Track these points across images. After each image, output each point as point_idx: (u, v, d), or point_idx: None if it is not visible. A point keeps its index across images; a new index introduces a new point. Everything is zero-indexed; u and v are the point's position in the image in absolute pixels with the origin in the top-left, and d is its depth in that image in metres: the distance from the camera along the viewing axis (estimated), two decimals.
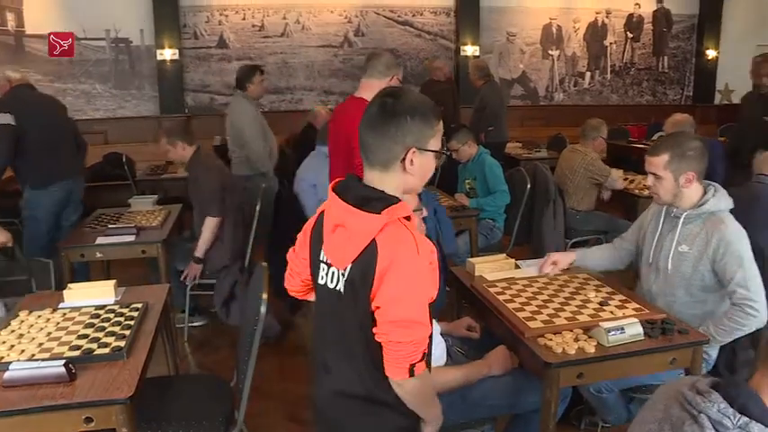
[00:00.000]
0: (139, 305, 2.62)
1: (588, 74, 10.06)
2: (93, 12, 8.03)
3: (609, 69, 10.14)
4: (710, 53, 10.36)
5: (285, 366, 3.91)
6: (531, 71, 9.77)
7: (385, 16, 9.00)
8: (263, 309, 2.28)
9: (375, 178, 1.70)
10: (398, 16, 9.04)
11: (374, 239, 1.61)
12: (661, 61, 10.52)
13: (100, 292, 2.75)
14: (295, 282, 1.98)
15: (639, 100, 10.45)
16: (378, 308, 1.63)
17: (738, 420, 1.06)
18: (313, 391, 1.91)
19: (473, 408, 2.39)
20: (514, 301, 2.61)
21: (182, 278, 4.16)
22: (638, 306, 2.58)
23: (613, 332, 2.28)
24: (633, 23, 10.17)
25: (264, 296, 2.31)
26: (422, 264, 1.62)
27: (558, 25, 9.78)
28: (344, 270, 1.68)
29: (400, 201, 1.66)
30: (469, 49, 9.00)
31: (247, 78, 5.30)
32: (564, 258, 2.94)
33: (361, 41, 8.95)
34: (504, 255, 3.17)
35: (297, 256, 1.93)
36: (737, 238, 2.59)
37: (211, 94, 8.62)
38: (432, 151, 1.71)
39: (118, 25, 8.17)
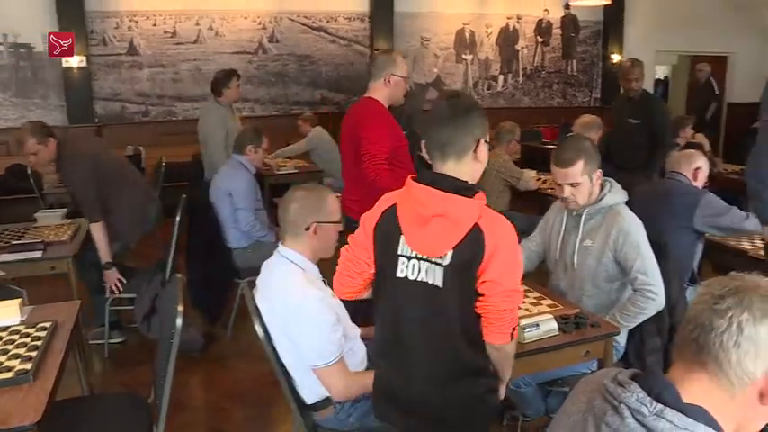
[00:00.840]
0: (47, 324, 2.51)
1: (501, 77, 10.30)
2: None
3: (521, 73, 10.41)
4: (615, 57, 10.78)
5: (208, 378, 3.84)
6: (446, 75, 9.92)
7: (299, 22, 8.96)
8: (179, 321, 2.22)
9: (450, 170, 1.88)
10: (313, 22, 9.02)
11: (477, 224, 1.79)
12: (570, 65, 10.87)
13: (3, 313, 2.60)
14: (355, 282, 2.07)
15: (551, 102, 10.77)
16: (484, 282, 1.81)
17: (654, 408, 1.11)
18: (393, 385, 2.03)
19: None
20: None
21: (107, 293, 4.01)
22: (552, 302, 2.68)
23: (529, 329, 2.36)
24: (543, 28, 10.48)
25: (180, 308, 2.26)
26: (516, 241, 1.89)
27: (471, 30, 9.97)
28: (442, 257, 1.82)
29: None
30: None
31: (224, 84, 5.39)
32: None
33: (276, 48, 8.88)
34: None
35: (358, 257, 2.01)
36: (634, 229, 2.74)
37: (123, 103, 8.34)
38: (487, 142, 1.95)
39: (16, 30, 7.78)
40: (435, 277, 1.84)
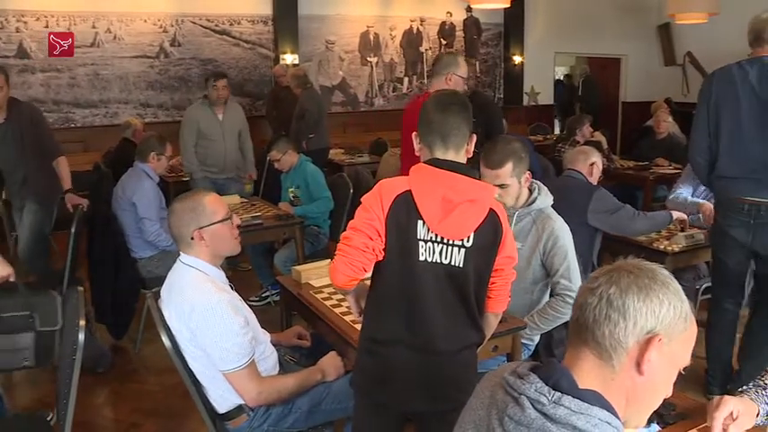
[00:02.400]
0: None
1: (406, 79, 10.42)
2: None
3: (425, 74, 10.56)
4: (517, 59, 11.10)
5: (116, 395, 3.72)
6: (351, 78, 9.95)
7: (202, 25, 8.78)
8: (81, 336, 2.15)
9: (454, 157, 2.00)
10: (216, 25, 8.86)
11: (491, 207, 1.97)
12: (473, 66, 11.12)
13: None
14: (366, 269, 1.98)
15: None
16: (503, 258, 2.06)
17: (552, 396, 1.16)
18: (407, 365, 2.02)
19: (310, 414, 2.41)
20: (341, 306, 2.67)
21: None
22: None
23: None
24: (446, 31, 10.67)
25: (82, 323, 2.19)
26: None
27: (376, 33, 10.04)
28: (465, 239, 1.95)
29: None
30: (289, 58, 9.00)
31: (207, 84, 5.70)
32: None
33: (178, 51, 8.66)
34: (329, 260, 3.21)
35: (374, 244, 1.94)
36: (564, 234, 2.81)
37: None
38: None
39: None
40: (456, 259, 1.96)
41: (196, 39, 8.74)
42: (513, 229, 2.83)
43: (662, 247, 3.68)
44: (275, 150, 4.92)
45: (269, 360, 2.44)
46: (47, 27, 7.92)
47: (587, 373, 1.22)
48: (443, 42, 10.64)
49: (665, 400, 1.33)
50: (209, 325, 2.20)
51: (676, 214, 3.84)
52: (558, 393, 1.16)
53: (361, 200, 2.01)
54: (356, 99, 10.03)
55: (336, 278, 1.99)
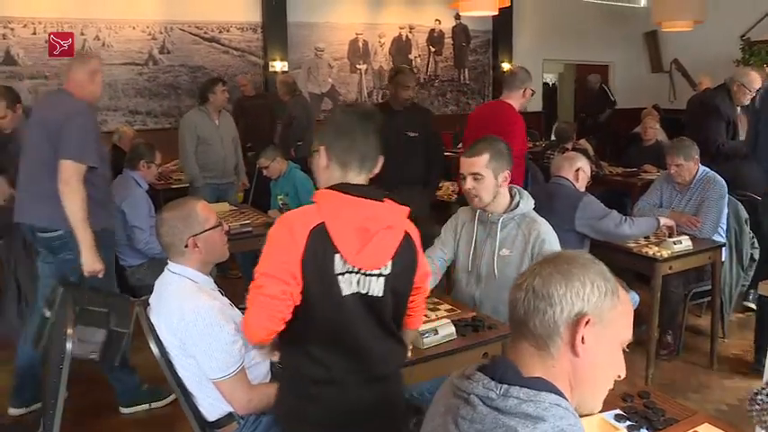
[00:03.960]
0: None
1: None
2: None
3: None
4: (505, 66, 11.15)
5: (105, 404, 3.69)
6: (340, 85, 9.96)
7: (191, 33, 8.77)
8: (68, 345, 2.16)
9: (364, 181, 1.91)
10: (205, 33, 8.85)
11: (406, 230, 1.91)
12: (462, 73, 11.15)
13: None
14: (287, 316, 1.81)
15: (445, 110, 10.99)
16: (420, 276, 2.01)
17: (500, 390, 1.18)
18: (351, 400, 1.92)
19: None
20: None
21: None
22: (449, 307, 2.73)
23: (427, 335, 2.40)
24: (435, 38, 10.70)
25: (70, 331, 2.19)
26: None
27: (365, 40, 10.06)
28: (383, 267, 1.85)
29: None
30: (278, 65, 9.01)
31: (208, 89, 5.68)
32: None
33: (167, 59, 8.64)
34: None
35: (291, 289, 1.78)
36: (550, 236, 2.81)
37: None
38: None
39: None
40: (375, 288, 1.86)
41: (185, 46, 8.73)
42: (499, 236, 2.84)
43: (651, 253, 3.69)
44: (264, 158, 4.93)
45: (260, 367, 2.43)
46: (34, 34, 7.88)
47: (530, 364, 1.24)
48: (432, 50, 10.68)
49: (654, 405, 1.34)
50: (198, 333, 2.19)
51: (663, 220, 3.86)
52: (506, 386, 1.18)
53: (268, 236, 1.83)
54: None
55: (256, 334, 1.83)
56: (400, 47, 10.40)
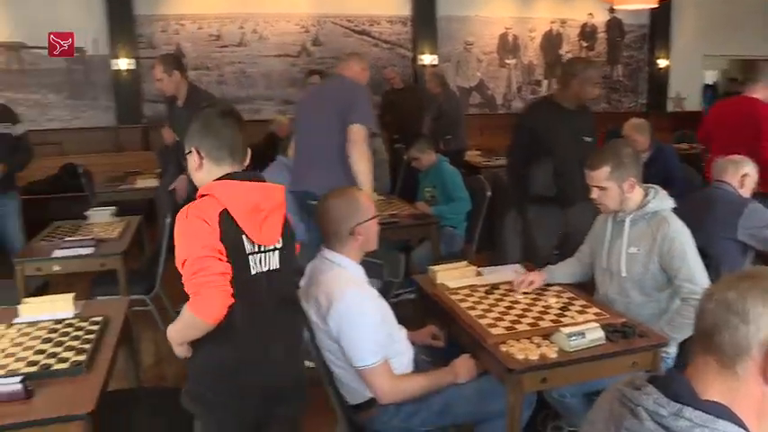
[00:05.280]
0: (99, 319, 2.57)
1: (545, 82, 10.22)
2: (45, 21, 7.79)
3: None
4: (662, 62, 10.62)
5: None
6: (489, 79, 9.88)
7: (342, 26, 9.02)
8: None
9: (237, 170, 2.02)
10: (355, 26, 9.07)
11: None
12: (615, 70, 10.74)
13: (57, 306, 2.68)
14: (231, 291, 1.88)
15: (595, 108, 10.55)
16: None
17: (672, 408, 1.10)
18: (268, 371, 2.02)
19: (439, 415, 2.40)
20: (476, 308, 2.64)
21: None
22: (598, 311, 2.63)
23: (574, 337, 2.31)
24: (587, 33, 10.37)
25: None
26: None
27: (514, 35, 9.91)
28: (278, 242, 2.02)
29: None
30: (427, 58, 9.06)
31: None
32: (539, 278, 2.91)
33: (319, 51, 8.94)
34: (466, 262, 3.19)
35: (227, 266, 1.86)
36: (680, 234, 2.67)
37: None
38: None
39: None
40: (274, 262, 2.00)
41: (336, 39, 8.99)
42: (628, 234, 2.76)
43: None
44: (415, 150, 4.97)
45: (403, 357, 2.46)
46: (200, 29, 8.44)
47: (710, 383, 1.14)
48: (584, 45, 10.35)
49: None
50: (346, 321, 2.24)
51: None
52: (679, 405, 1.10)
53: (181, 231, 1.87)
54: (494, 101, 9.95)
55: (214, 312, 1.80)
56: (551, 41, 10.16)
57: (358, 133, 3.66)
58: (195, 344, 1.95)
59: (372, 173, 3.75)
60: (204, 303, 1.79)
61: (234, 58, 8.67)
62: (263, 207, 1.95)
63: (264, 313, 1.99)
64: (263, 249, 1.97)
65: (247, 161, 2.07)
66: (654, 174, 3.86)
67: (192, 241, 1.84)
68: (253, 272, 1.94)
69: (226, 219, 1.87)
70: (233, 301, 1.83)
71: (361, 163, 3.68)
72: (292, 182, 3.84)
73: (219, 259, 1.83)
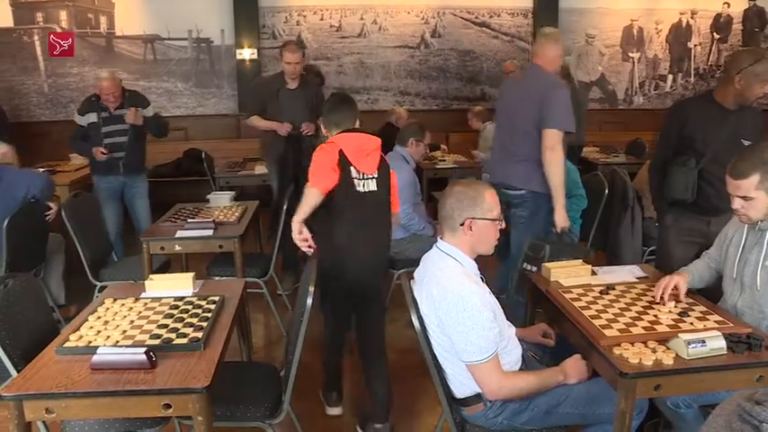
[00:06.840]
0: (216, 298, 2.70)
1: (670, 77, 9.75)
2: (178, 13, 8.28)
3: (693, 72, 9.80)
4: None
5: (357, 366, 3.91)
6: (611, 74, 9.54)
7: (462, 17, 8.96)
8: (308, 301, 2.38)
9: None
10: (475, 17, 8.98)
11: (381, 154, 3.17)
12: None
13: (179, 284, 2.85)
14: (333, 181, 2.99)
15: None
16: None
17: None
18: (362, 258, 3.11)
19: (546, 415, 2.36)
20: (590, 308, 2.57)
21: None
22: (720, 318, 2.48)
23: (694, 344, 2.20)
24: (721, 24, 9.79)
25: (311, 288, 2.41)
26: None
27: (640, 27, 9.51)
28: (375, 173, 3.08)
29: None
30: None
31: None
32: (683, 282, 2.69)
33: (438, 42, 8.93)
34: (581, 260, 3.10)
35: (335, 175, 2.98)
36: None
37: None
38: None
39: (200, 26, 8.39)
40: (372, 185, 3.06)
41: (456, 30, 8.94)
42: (767, 246, 2.54)
43: None
44: None
45: (512, 354, 2.42)
46: (322, 20, 8.62)
47: None
48: (716, 37, 9.79)
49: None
50: (457, 316, 2.23)
51: None
52: None
53: (315, 156, 3.03)
54: (614, 96, 9.60)
55: (320, 185, 2.94)
56: (679, 34, 9.68)
57: (552, 138, 3.65)
58: (320, 231, 3.05)
59: (564, 177, 3.72)
60: (315, 180, 2.95)
61: (353, 49, 8.80)
62: (366, 149, 3.05)
63: (365, 215, 3.06)
64: (365, 177, 3.03)
65: (357, 125, 3.14)
66: None
67: (318, 161, 2.99)
68: (359, 189, 3.02)
69: (341, 155, 2.98)
70: (332, 185, 2.95)
71: (552, 166, 3.66)
72: (490, 172, 4.16)
73: (333, 169, 2.96)
